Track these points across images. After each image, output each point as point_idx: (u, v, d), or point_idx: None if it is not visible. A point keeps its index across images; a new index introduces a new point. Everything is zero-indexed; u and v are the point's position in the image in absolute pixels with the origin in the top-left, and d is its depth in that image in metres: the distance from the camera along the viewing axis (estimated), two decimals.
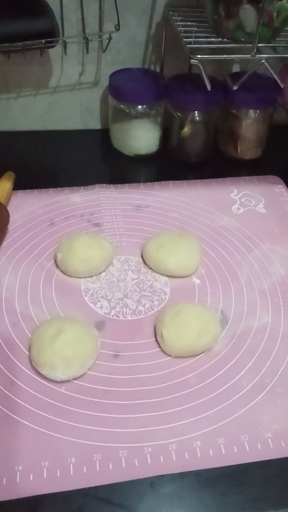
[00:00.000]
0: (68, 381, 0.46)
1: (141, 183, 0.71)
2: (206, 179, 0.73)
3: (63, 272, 0.57)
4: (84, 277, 0.56)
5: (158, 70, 0.77)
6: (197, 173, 0.75)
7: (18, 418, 0.43)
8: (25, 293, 0.54)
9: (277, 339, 0.51)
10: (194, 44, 0.58)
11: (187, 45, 0.57)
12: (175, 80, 0.73)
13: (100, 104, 0.81)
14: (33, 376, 0.46)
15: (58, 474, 0.40)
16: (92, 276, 0.57)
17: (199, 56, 0.56)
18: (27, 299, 0.54)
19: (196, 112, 0.72)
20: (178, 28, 0.61)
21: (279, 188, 0.72)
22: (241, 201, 0.69)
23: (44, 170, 0.74)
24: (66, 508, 0.38)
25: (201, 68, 0.57)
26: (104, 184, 0.70)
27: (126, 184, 0.71)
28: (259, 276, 0.58)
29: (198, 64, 0.56)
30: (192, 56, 0.56)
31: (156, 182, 0.72)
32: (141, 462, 0.41)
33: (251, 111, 0.73)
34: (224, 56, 0.58)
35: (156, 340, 0.50)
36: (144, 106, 0.72)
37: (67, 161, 0.77)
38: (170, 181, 0.72)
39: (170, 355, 0.49)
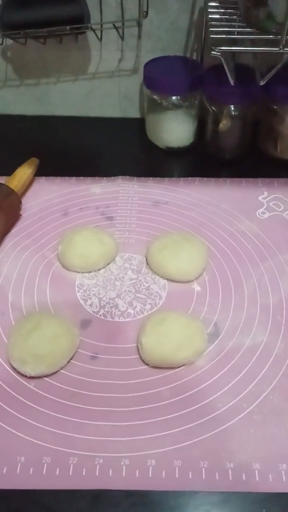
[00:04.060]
0: (39, 377, 0.46)
1: (166, 178, 0.69)
2: (238, 178, 0.69)
3: (62, 265, 0.56)
4: (82, 272, 0.55)
5: (199, 58, 0.73)
6: (230, 171, 0.71)
7: None
8: (20, 283, 0.54)
9: (267, 361, 0.47)
10: (219, 34, 0.54)
11: (211, 36, 0.53)
12: (213, 70, 0.68)
13: (139, 93, 0.79)
14: (7, 367, 0.47)
15: (4, 471, 0.40)
16: (90, 272, 0.55)
17: (221, 48, 0.52)
18: (21, 289, 0.54)
19: (232, 106, 0.67)
20: (209, 16, 0.57)
21: None
22: (268, 205, 0.64)
23: (73, 157, 0.74)
24: (4, 508, 0.38)
25: (223, 61, 0.53)
26: (127, 177, 0.68)
27: (151, 178, 0.69)
28: (266, 289, 0.54)
29: (220, 56, 0.52)
30: (213, 47, 0.52)
31: (182, 178, 0.69)
32: (89, 472, 0.40)
33: None
34: (247, 48, 0.53)
35: (137, 346, 0.48)
36: (178, 97, 0.69)
37: (99, 150, 0.75)
38: (196, 178, 0.69)
39: (148, 364, 0.47)
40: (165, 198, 0.65)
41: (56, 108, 0.81)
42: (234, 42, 0.60)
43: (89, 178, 0.69)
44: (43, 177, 0.68)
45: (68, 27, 0.59)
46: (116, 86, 0.78)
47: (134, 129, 0.80)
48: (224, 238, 0.60)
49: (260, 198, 0.65)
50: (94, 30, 0.63)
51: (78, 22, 0.61)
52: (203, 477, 0.39)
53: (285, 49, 0.51)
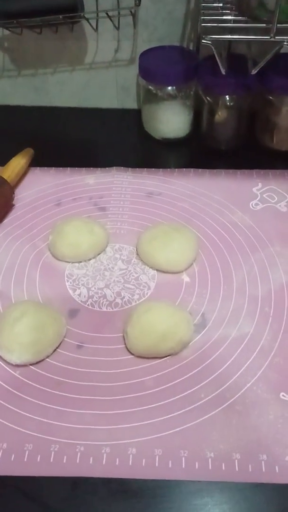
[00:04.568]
0: (24, 365, 0.46)
1: (161, 169, 0.68)
2: (233, 169, 0.68)
3: (52, 255, 0.56)
4: (72, 262, 0.55)
5: (195, 48, 0.72)
6: (226, 162, 0.70)
7: None
8: (11, 272, 0.55)
9: (253, 352, 0.47)
10: (211, 23, 0.53)
11: (201, 24, 0.53)
12: (208, 60, 0.67)
13: (137, 83, 0.79)
14: None
15: None
16: (80, 262, 0.56)
17: (212, 36, 0.51)
18: (11, 278, 0.54)
19: (227, 96, 0.67)
20: (201, 4, 0.56)
21: None
22: (262, 196, 0.64)
23: (69, 148, 0.74)
24: None
25: (214, 50, 0.52)
26: (121, 167, 0.68)
27: (145, 169, 0.68)
28: (256, 280, 0.53)
29: (210, 45, 0.51)
30: (203, 36, 0.51)
31: (176, 169, 0.68)
32: (69, 460, 0.40)
33: None
34: (237, 37, 0.53)
35: (123, 336, 0.48)
36: (173, 87, 0.68)
37: (95, 140, 0.75)
38: (191, 169, 0.68)
39: (133, 354, 0.47)
40: (159, 189, 0.65)
41: (53, 99, 0.81)
42: (230, 32, 0.60)
43: (83, 168, 0.69)
44: (38, 168, 0.69)
45: (60, 16, 0.59)
46: (113, 76, 0.78)
47: (131, 120, 0.79)
48: (216, 229, 0.59)
49: (254, 189, 0.65)
50: (87, 19, 0.63)
51: (71, 11, 0.61)
52: (183, 466, 0.39)
53: (276, 37, 0.50)
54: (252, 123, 0.72)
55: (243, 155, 0.72)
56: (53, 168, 0.69)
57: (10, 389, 0.44)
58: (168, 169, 0.68)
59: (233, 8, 0.56)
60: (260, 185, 0.66)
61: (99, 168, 0.68)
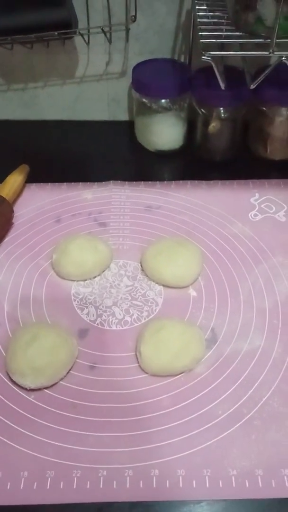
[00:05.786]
0: (38, 389, 0.45)
1: (157, 182, 0.69)
2: (229, 180, 0.69)
3: (57, 274, 0.56)
4: (77, 280, 0.55)
5: (187, 61, 0.73)
6: (221, 173, 0.71)
7: None
8: (16, 293, 0.54)
9: (265, 366, 0.47)
10: (209, 39, 0.54)
11: (201, 40, 0.53)
12: (201, 73, 0.68)
13: (128, 95, 0.79)
14: (5, 380, 0.46)
15: (8, 487, 0.39)
16: (85, 280, 0.55)
17: (211, 52, 0.52)
18: (17, 299, 0.53)
19: (221, 108, 0.67)
20: (198, 20, 0.57)
21: None
22: (260, 206, 0.65)
23: (63, 162, 0.73)
24: None
25: (214, 66, 0.53)
26: (118, 181, 0.68)
27: (142, 182, 0.68)
28: (262, 293, 0.54)
29: (210, 61, 0.52)
30: (203, 52, 0.51)
31: (173, 182, 0.68)
32: (93, 485, 0.40)
33: (283, 108, 0.67)
34: (239, 53, 0.53)
35: (136, 355, 0.48)
36: (167, 100, 0.68)
37: (88, 154, 0.75)
38: (188, 181, 0.69)
39: (147, 373, 0.47)
40: (158, 202, 0.65)
41: (44, 113, 0.80)
42: (222, 46, 0.61)
43: (80, 183, 0.68)
44: (34, 184, 0.68)
45: (56, 33, 0.59)
46: (104, 89, 0.78)
47: (123, 132, 0.79)
48: (218, 242, 0.60)
49: (251, 200, 0.66)
50: (82, 35, 0.63)
51: (66, 27, 0.60)
52: (207, 486, 0.39)
53: (275, 52, 0.51)
54: (245, 134, 0.73)
55: (237, 165, 0.72)
56: (49, 183, 0.68)
57: (26, 414, 0.44)
58: (165, 182, 0.69)
59: (228, 23, 0.56)
60: (257, 195, 0.66)
61: (95, 183, 0.68)
